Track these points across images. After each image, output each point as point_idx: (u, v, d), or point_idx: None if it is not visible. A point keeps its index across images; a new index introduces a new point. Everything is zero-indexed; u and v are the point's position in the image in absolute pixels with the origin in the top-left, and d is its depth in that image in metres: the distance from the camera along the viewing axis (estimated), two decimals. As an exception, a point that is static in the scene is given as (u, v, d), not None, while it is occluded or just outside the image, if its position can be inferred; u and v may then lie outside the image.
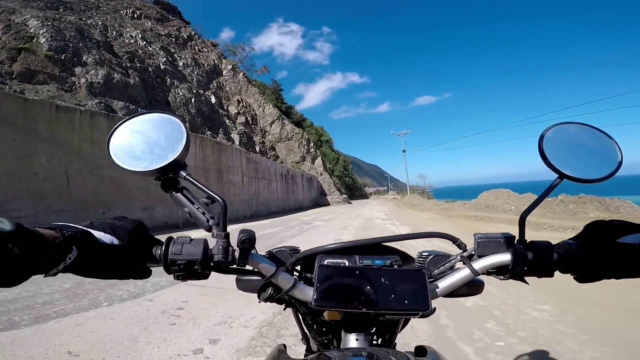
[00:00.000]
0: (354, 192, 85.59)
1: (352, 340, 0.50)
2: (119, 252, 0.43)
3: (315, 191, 39.69)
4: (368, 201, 50.06)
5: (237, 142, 25.36)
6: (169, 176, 0.52)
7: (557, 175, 0.51)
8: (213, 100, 27.42)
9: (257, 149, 29.58)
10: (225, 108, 29.46)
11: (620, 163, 0.51)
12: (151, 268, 0.48)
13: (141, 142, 0.52)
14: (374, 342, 0.56)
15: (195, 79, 26.93)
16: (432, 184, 53.11)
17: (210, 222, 0.48)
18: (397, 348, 0.55)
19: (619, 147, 0.53)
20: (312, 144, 44.33)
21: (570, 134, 0.55)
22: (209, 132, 22.46)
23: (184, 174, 0.51)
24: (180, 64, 26.55)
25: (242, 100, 33.38)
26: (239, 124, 29.89)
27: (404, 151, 43.43)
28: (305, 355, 0.61)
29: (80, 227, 0.41)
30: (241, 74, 36.04)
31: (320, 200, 38.50)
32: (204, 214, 0.49)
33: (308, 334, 0.65)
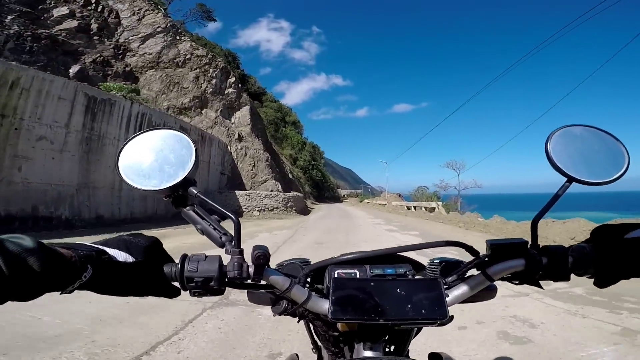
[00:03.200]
0: (323, 192, 63.31)
1: (365, 350, 0.50)
2: (134, 270, 0.43)
3: (214, 177, 17.29)
4: (350, 210, 26.01)
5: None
6: (179, 194, 0.52)
7: (566, 179, 0.51)
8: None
9: (85, 72, 15.04)
10: (34, 6, 14.61)
11: (628, 165, 0.52)
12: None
13: (150, 159, 0.52)
14: (387, 350, 0.55)
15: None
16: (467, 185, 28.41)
17: (223, 239, 0.48)
18: (410, 355, 0.56)
19: (625, 149, 0.53)
20: (232, 79, 21.23)
21: (576, 137, 0.55)
22: None
23: (195, 192, 0.51)
24: None
25: (96, 2, 17.69)
26: (61, 30, 15.24)
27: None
28: None
29: (95, 246, 0.41)
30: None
31: (219, 200, 15.27)
32: (216, 229, 0.49)
33: (320, 344, 0.64)
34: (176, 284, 0.46)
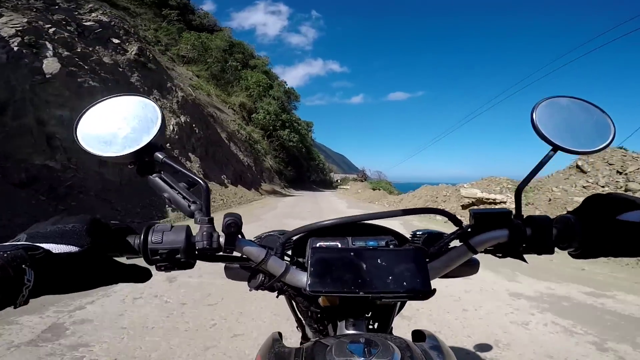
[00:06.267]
0: (308, 173, 41.08)
1: (348, 326, 0.49)
2: (85, 259, 0.36)
3: None
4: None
5: None
6: (144, 160, 0.49)
7: (551, 148, 0.50)
8: None
9: None
10: None
11: (614, 135, 0.51)
12: (132, 260, 0.44)
13: (112, 126, 0.49)
14: (370, 326, 0.54)
15: None
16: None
17: (192, 207, 0.45)
18: (394, 332, 0.54)
19: (611, 120, 0.53)
20: None
21: (562, 108, 0.54)
22: None
23: (161, 157, 0.48)
24: None
25: None
26: None
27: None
28: (301, 343, 0.62)
29: (17, 243, 0.34)
30: None
31: None
32: (184, 198, 0.46)
33: (303, 321, 0.63)
34: (139, 261, 0.42)
